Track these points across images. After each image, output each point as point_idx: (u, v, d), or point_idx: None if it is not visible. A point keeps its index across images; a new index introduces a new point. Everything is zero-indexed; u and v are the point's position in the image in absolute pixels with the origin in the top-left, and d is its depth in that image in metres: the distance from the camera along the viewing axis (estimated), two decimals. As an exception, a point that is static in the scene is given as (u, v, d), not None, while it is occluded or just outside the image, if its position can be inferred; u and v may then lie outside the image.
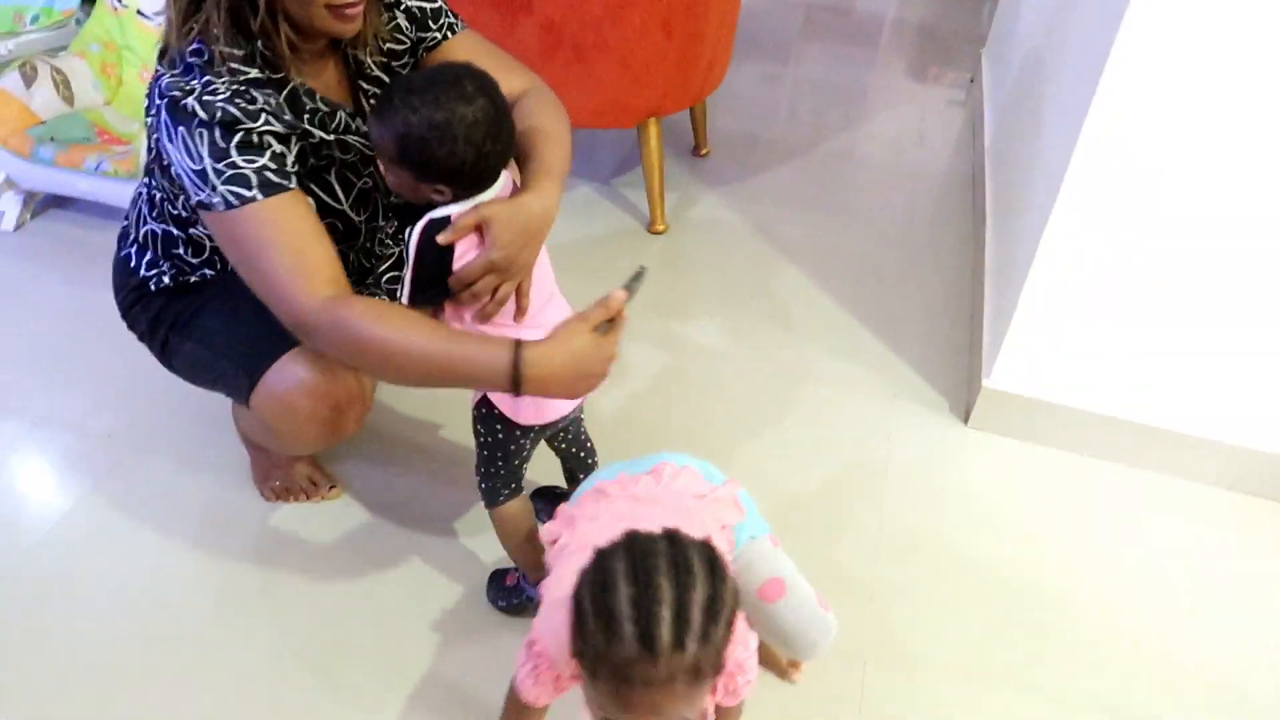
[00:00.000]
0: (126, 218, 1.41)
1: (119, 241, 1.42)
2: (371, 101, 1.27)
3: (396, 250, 1.48)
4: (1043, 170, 1.77)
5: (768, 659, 1.32)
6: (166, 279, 1.36)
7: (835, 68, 3.45)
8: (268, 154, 1.12)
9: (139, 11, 2.31)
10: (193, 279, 1.36)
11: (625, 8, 1.98)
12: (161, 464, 1.65)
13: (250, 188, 1.10)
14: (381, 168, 1.18)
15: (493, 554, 1.49)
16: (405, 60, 1.31)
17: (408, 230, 1.14)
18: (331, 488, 1.63)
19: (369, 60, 1.27)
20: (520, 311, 1.20)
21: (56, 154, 2.06)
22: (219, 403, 1.60)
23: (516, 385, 1.05)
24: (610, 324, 1.08)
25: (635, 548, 0.81)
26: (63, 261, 2.12)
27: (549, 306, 1.25)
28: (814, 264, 2.32)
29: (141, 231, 1.36)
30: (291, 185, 1.13)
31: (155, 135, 1.17)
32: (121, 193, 2.05)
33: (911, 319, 2.15)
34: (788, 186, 2.66)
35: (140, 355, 1.43)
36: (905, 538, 1.61)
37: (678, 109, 2.26)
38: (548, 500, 1.59)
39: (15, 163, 2.09)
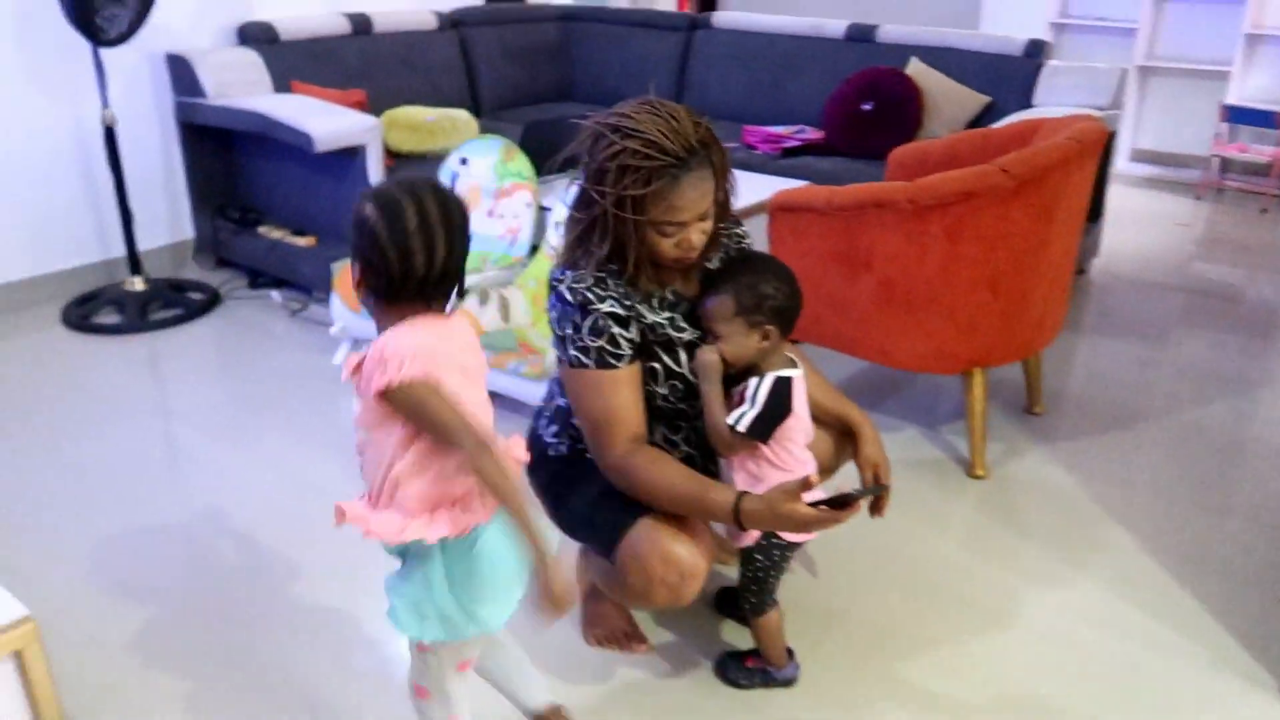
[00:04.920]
0: (544, 399, 1.82)
1: (534, 418, 1.84)
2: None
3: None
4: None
5: None
6: (564, 448, 1.73)
7: (1214, 353, 3.31)
8: (605, 337, 1.54)
9: (567, 259, 2.98)
10: (583, 448, 1.68)
11: (954, 269, 2.24)
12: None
13: (589, 357, 1.54)
14: (721, 332, 1.57)
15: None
16: None
17: (755, 381, 1.58)
18: (643, 643, 1.88)
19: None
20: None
21: (490, 357, 2.67)
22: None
23: (738, 520, 1.48)
24: (834, 507, 1.42)
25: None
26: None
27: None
28: (1147, 535, 2.28)
29: (552, 406, 1.77)
30: (619, 365, 1.55)
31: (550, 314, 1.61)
32: (528, 390, 2.60)
33: (1253, 601, 2.04)
34: (1135, 459, 2.62)
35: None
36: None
37: (1003, 362, 2.42)
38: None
39: (461, 362, 2.74)
